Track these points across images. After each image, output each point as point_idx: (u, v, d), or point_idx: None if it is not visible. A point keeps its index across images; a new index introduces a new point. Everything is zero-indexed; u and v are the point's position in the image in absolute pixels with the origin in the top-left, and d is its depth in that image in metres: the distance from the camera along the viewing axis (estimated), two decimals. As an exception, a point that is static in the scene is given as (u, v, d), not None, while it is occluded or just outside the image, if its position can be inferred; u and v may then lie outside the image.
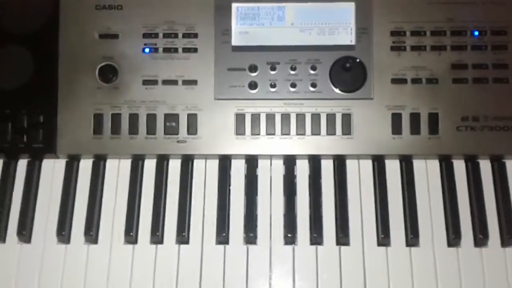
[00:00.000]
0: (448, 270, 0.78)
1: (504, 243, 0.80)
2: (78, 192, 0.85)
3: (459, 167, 0.84)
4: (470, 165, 0.83)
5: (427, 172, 0.84)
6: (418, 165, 0.84)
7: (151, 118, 0.85)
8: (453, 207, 0.81)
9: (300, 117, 0.84)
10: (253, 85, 0.85)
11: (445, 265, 0.78)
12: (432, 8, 0.84)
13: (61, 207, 0.84)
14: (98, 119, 0.85)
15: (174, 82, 0.85)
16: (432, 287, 0.77)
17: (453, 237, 0.79)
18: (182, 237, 0.82)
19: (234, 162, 0.86)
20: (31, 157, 0.87)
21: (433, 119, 0.83)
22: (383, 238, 0.80)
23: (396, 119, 0.83)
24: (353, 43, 0.85)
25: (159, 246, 0.82)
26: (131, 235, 0.82)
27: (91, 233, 0.82)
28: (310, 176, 0.84)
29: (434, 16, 0.84)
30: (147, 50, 0.86)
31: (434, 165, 0.84)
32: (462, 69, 0.83)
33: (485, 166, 0.84)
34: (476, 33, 0.84)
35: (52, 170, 0.87)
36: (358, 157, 0.84)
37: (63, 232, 0.82)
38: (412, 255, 0.79)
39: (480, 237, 0.79)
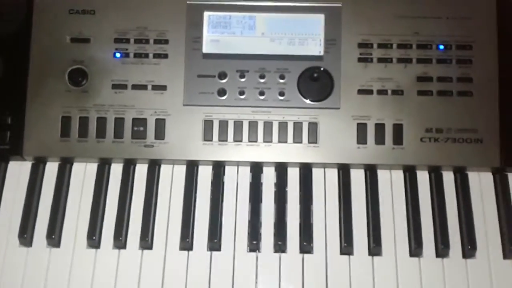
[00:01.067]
0: (409, 279, 0.79)
1: (465, 255, 0.80)
2: (43, 195, 0.85)
3: (423, 178, 0.85)
4: (434, 176, 0.84)
5: (391, 182, 0.84)
6: (382, 175, 0.85)
7: (119, 122, 0.85)
8: (415, 217, 0.82)
9: (268, 125, 0.85)
10: (222, 92, 0.85)
11: (406, 275, 0.78)
12: (399, 22, 0.86)
13: (25, 210, 0.83)
14: (66, 122, 0.85)
15: (143, 87, 0.86)
16: (393, 296, 0.77)
17: (415, 247, 0.80)
18: (146, 242, 0.81)
19: (201, 168, 0.86)
20: (-3, 159, 0.87)
21: (398, 129, 0.84)
22: (346, 247, 0.80)
23: (361, 129, 0.84)
24: (321, 53, 0.86)
25: (122, 251, 0.81)
26: (93, 239, 0.81)
27: (53, 236, 0.81)
28: (276, 184, 0.85)
29: (400, 29, 0.86)
30: (118, 54, 0.87)
31: (398, 175, 0.85)
32: (427, 82, 0.85)
33: (448, 178, 0.85)
34: (442, 47, 0.85)
35: (18, 172, 0.86)
36: (324, 165, 0.85)
37: (25, 235, 0.81)
38: (375, 264, 0.79)
39: (442, 248, 0.80)
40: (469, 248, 0.80)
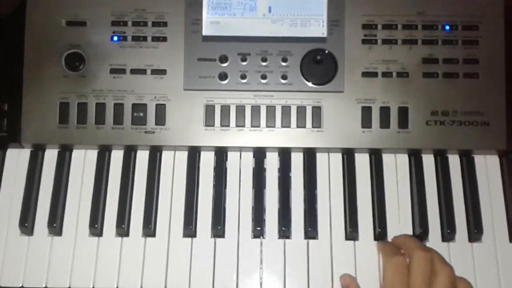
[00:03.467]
0: (415, 264, 0.78)
1: (471, 238, 0.80)
2: (42, 183, 0.83)
3: (428, 161, 0.84)
4: (439, 160, 0.83)
5: (396, 166, 0.83)
6: (387, 159, 0.83)
7: (119, 108, 0.83)
8: (421, 202, 0.81)
9: (270, 109, 0.83)
10: (223, 76, 0.83)
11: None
12: (403, 2, 0.84)
13: (24, 198, 0.82)
14: (64, 108, 0.83)
15: (142, 72, 0.84)
16: (398, 281, 0.77)
17: (421, 231, 0.79)
18: (149, 229, 0.80)
19: (203, 154, 0.84)
20: (-5, 146, 0.85)
21: (403, 113, 0.82)
22: (351, 232, 0.80)
23: (366, 113, 0.82)
24: (324, 35, 0.84)
25: (125, 238, 0.80)
26: (96, 227, 0.80)
27: (55, 224, 0.80)
28: (279, 169, 0.84)
29: (405, 10, 0.84)
30: (115, 38, 0.84)
31: (403, 159, 0.84)
32: (432, 64, 0.83)
33: (454, 161, 0.84)
34: (447, 27, 0.83)
35: (17, 159, 0.85)
36: (328, 150, 0.84)
37: (26, 223, 0.80)
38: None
39: (448, 232, 0.79)
40: (475, 231, 0.79)
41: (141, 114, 0.83)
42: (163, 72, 0.84)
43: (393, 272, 0.72)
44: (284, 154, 0.84)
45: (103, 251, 0.80)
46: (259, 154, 0.84)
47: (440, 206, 0.81)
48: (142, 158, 0.84)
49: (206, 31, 0.84)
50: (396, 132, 0.82)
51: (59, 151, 0.85)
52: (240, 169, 0.84)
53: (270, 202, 0.82)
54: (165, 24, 0.84)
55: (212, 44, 0.84)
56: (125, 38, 0.84)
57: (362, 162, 0.84)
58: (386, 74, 0.83)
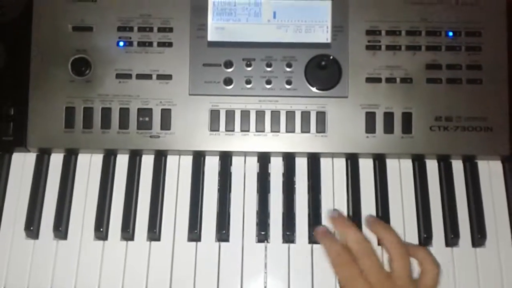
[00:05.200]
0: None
1: (474, 243, 0.80)
2: (48, 187, 0.84)
3: (432, 166, 0.84)
4: (443, 165, 0.84)
5: (400, 171, 0.84)
6: (391, 164, 0.84)
7: (124, 113, 0.84)
8: (425, 207, 0.81)
9: (275, 114, 0.84)
10: (228, 81, 0.84)
11: (416, 264, 0.78)
12: (407, 8, 0.84)
13: (30, 202, 0.83)
14: (70, 112, 0.84)
15: (148, 77, 0.84)
16: (402, 286, 0.77)
17: (424, 236, 0.80)
18: (153, 234, 0.81)
19: (208, 159, 0.85)
20: (1, 150, 0.85)
21: (407, 118, 0.83)
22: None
23: (370, 118, 0.83)
24: (329, 41, 0.85)
25: (130, 242, 0.81)
26: (101, 231, 0.81)
27: (60, 228, 0.81)
28: (284, 174, 0.84)
29: (409, 16, 0.84)
30: (121, 43, 0.85)
31: (407, 164, 0.84)
32: (436, 69, 0.84)
33: (457, 166, 0.84)
34: (451, 33, 0.84)
35: (22, 164, 0.85)
36: (332, 155, 0.84)
37: (31, 227, 0.81)
38: (384, 254, 0.79)
39: (451, 237, 0.80)
40: (478, 236, 0.80)
41: (147, 118, 0.84)
42: (168, 77, 0.84)
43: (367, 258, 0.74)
44: (289, 159, 0.85)
45: (108, 255, 0.80)
46: (264, 158, 0.85)
47: (444, 211, 0.82)
48: (147, 162, 0.85)
49: (211, 36, 0.85)
50: (400, 137, 0.83)
51: (64, 155, 0.85)
52: (244, 174, 0.84)
53: (275, 206, 0.82)
54: (170, 29, 0.85)
55: (217, 50, 0.84)
56: (131, 44, 0.85)
57: (366, 167, 0.84)
58: (390, 80, 0.84)
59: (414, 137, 0.83)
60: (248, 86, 0.84)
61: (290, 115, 0.84)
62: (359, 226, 0.80)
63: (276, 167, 0.84)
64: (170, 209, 0.82)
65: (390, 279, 0.72)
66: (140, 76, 0.84)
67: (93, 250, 0.80)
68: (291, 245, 0.80)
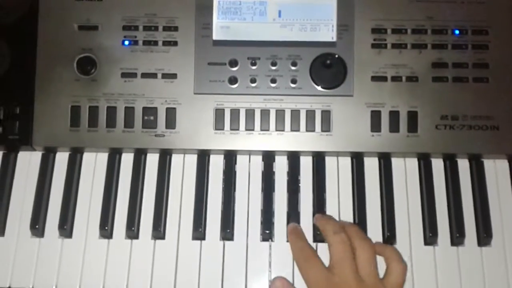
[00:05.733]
0: (424, 268, 0.78)
1: (480, 243, 0.80)
2: (53, 186, 0.84)
3: (438, 165, 0.84)
4: (449, 164, 0.83)
5: (405, 170, 0.83)
6: (396, 163, 0.84)
7: (129, 112, 0.84)
8: (430, 206, 0.81)
9: (280, 113, 0.83)
10: (233, 80, 0.84)
11: (421, 263, 0.78)
12: (413, 6, 0.84)
13: (36, 201, 0.83)
14: (75, 111, 0.84)
15: (153, 76, 0.84)
16: (408, 285, 0.76)
17: (430, 236, 0.79)
18: (158, 232, 0.81)
19: (212, 157, 0.85)
20: (6, 149, 0.86)
21: (412, 117, 0.82)
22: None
23: (375, 117, 0.82)
24: (334, 39, 0.84)
25: (135, 241, 0.81)
26: (106, 229, 0.81)
27: (65, 227, 0.81)
28: (288, 173, 0.84)
29: (415, 14, 0.84)
30: (126, 42, 0.85)
31: (412, 163, 0.84)
32: (442, 68, 0.83)
33: (463, 165, 0.84)
34: (457, 32, 0.84)
35: (28, 162, 0.85)
36: (337, 154, 0.84)
37: (37, 225, 0.81)
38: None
39: (457, 236, 0.79)
40: (484, 236, 0.79)
41: (152, 117, 0.84)
42: (173, 76, 0.84)
43: (341, 248, 0.73)
44: (293, 157, 0.84)
45: (113, 254, 0.80)
46: (268, 157, 0.84)
47: (450, 210, 0.81)
48: (152, 161, 0.85)
49: (216, 35, 0.85)
50: (406, 136, 0.82)
51: (70, 154, 0.85)
52: (249, 173, 0.84)
53: (279, 205, 0.82)
54: (175, 28, 0.85)
55: (222, 49, 0.84)
56: (136, 43, 0.85)
57: (371, 166, 0.84)
58: (396, 78, 0.83)
59: (420, 136, 0.82)
60: (253, 85, 0.84)
61: (295, 114, 0.83)
62: (364, 225, 0.80)
63: (281, 166, 0.84)
64: (175, 207, 0.82)
65: (357, 273, 0.72)
66: (145, 75, 0.84)
67: (98, 248, 0.80)
68: (296, 244, 0.80)
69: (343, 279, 0.72)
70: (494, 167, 0.83)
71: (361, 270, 0.73)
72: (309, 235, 0.80)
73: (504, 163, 0.84)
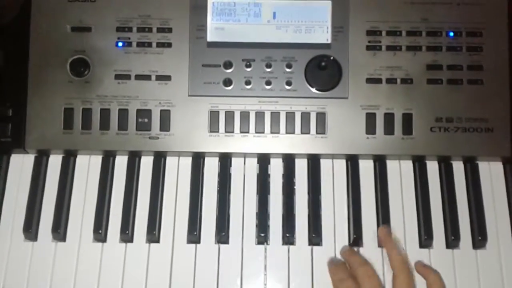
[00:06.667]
0: (419, 271, 0.78)
1: (475, 245, 0.80)
2: (46, 189, 0.84)
3: (432, 168, 0.84)
4: (443, 166, 0.83)
5: (400, 173, 0.83)
6: (391, 165, 0.84)
7: (123, 114, 0.83)
8: (425, 208, 0.81)
9: (275, 116, 0.83)
10: (227, 82, 0.84)
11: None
12: (407, 8, 0.84)
13: (29, 204, 0.82)
14: (68, 114, 0.83)
15: (147, 77, 0.84)
16: None
17: (425, 238, 0.79)
18: (153, 235, 0.80)
19: (207, 160, 0.84)
20: (-1, 151, 0.85)
21: (407, 119, 0.82)
22: (355, 239, 0.80)
23: (370, 119, 0.82)
24: (329, 41, 0.84)
25: (129, 244, 0.80)
26: (100, 233, 0.80)
27: (59, 230, 0.80)
28: (283, 175, 0.84)
29: (409, 16, 0.84)
30: (120, 44, 0.84)
31: (407, 166, 0.84)
32: (437, 70, 0.83)
33: (458, 167, 0.84)
34: (452, 34, 0.84)
35: (21, 165, 0.85)
36: (332, 156, 0.84)
37: (30, 229, 0.80)
38: (385, 255, 0.78)
39: (452, 239, 0.79)
40: (479, 238, 0.79)
41: (146, 120, 0.83)
42: (167, 78, 0.84)
43: (370, 281, 0.73)
44: (288, 160, 0.84)
45: (107, 257, 0.80)
46: (263, 160, 0.84)
47: (444, 212, 0.81)
48: (147, 164, 0.84)
49: (210, 37, 0.84)
50: (401, 138, 0.82)
51: (63, 157, 0.85)
52: (244, 175, 0.84)
53: (274, 208, 0.82)
54: (169, 30, 0.84)
55: (217, 50, 0.84)
56: (129, 44, 0.84)
57: (366, 168, 0.84)
58: (391, 81, 0.83)
59: (415, 138, 0.82)
60: (248, 87, 0.84)
61: (290, 116, 0.83)
62: (359, 228, 0.80)
63: (276, 169, 0.84)
64: (170, 211, 0.82)
65: None
66: (139, 77, 0.84)
67: (92, 252, 0.80)
68: (291, 247, 0.80)
69: None
70: (488, 170, 0.84)
71: None
72: (304, 238, 0.80)
73: (499, 166, 0.84)
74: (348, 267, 0.77)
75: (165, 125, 0.83)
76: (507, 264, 0.79)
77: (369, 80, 0.83)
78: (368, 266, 0.75)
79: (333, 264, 0.78)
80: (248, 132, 0.83)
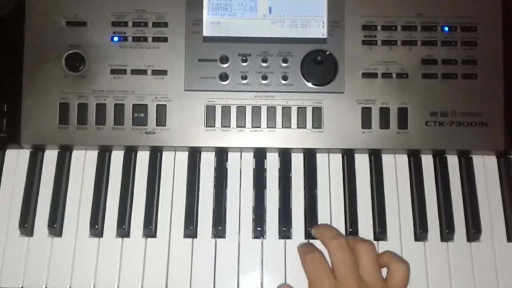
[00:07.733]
0: (414, 263, 0.79)
1: (470, 238, 0.81)
2: (42, 184, 0.83)
3: (427, 162, 0.84)
4: (438, 160, 0.84)
5: (395, 167, 0.84)
6: (387, 159, 0.84)
7: (119, 109, 0.83)
8: (420, 202, 0.82)
9: (271, 110, 0.83)
10: (224, 77, 0.84)
11: (411, 259, 0.78)
12: (403, 3, 0.84)
13: (24, 199, 0.82)
14: (64, 108, 0.83)
15: (143, 72, 0.83)
16: (399, 281, 0.77)
17: (420, 232, 0.80)
18: (149, 230, 0.80)
19: (203, 155, 0.85)
20: (-6, 147, 0.85)
21: (403, 113, 0.83)
22: (351, 232, 0.80)
23: (366, 113, 0.83)
24: (325, 36, 0.84)
25: (126, 239, 0.80)
26: (96, 228, 0.80)
27: (55, 225, 0.80)
28: (280, 170, 0.84)
29: (405, 11, 0.84)
30: (116, 38, 0.84)
31: (402, 160, 0.84)
32: (432, 64, 0.84)
33: (453, 161, 0.84)
34: (446, 28, 0.84)
35: (16, 160, 0.84)
36: (328, 150, 0.84)
37: (26, 224, 0.80)
38: (380, 249, 0.79)
39: (447, 232, 0.80)
40: (473, 231, 0.80)
41: (142, 114, 0.83)
42: (163, 72, 0.84)
43: (340, 253, 0.73)
44: (285, 154, 0.84)
45: (103, 252, 0.80)
46: (260, 154, 0.84)
47: (439, 206, 0.82)
48: (143, 158, 0.84)
49: (206, 31, 0.84)
50: (396, 132, 0.83)
51: (59, 152, 0.84)
52: (240, 170, 0.84)
53: (271, 202, 0.82)
54: (165, 24, 0.84)
55: (213, 45, 0.84)
56: (125, 39, 0.84)
57: (362, 162, 0.84)
58: (386, 75, 0.83)
59: (410, 133, 0.83)
60: (244, 81, 0.84)
61: (286, 110, 0.83)
62: (355, 222, 0.81)
63: (272, 163, 0.84)
64: (166, 205, 0.82)
65: (359, 277, 0.72)
66: (135, 72, 0.83)
67: (89, 247, 0.80)
68: (288, 241, 0.80)
69: (344, 284, 0.71)
70: (482, 163, 0.84)
71: (363, 273, 0.72)
72: (300, 232, 0.81)
73: (493, 159, 0.85)
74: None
75: (161, 120, 0.83)
76: (501, 257, 0.80)
77: (365, 75, 0.84)
78: (340, 238, 0.74)
79: (317, 227, 0.79)
80: (244, 126, 0.83)
